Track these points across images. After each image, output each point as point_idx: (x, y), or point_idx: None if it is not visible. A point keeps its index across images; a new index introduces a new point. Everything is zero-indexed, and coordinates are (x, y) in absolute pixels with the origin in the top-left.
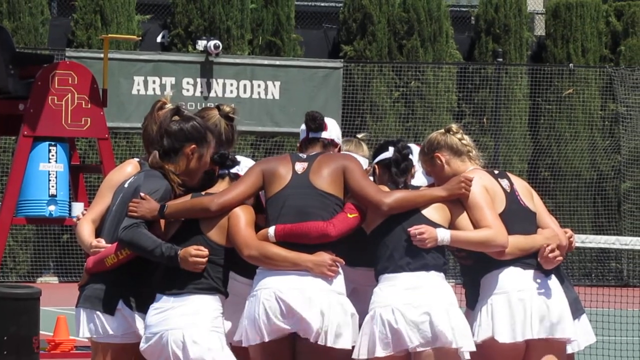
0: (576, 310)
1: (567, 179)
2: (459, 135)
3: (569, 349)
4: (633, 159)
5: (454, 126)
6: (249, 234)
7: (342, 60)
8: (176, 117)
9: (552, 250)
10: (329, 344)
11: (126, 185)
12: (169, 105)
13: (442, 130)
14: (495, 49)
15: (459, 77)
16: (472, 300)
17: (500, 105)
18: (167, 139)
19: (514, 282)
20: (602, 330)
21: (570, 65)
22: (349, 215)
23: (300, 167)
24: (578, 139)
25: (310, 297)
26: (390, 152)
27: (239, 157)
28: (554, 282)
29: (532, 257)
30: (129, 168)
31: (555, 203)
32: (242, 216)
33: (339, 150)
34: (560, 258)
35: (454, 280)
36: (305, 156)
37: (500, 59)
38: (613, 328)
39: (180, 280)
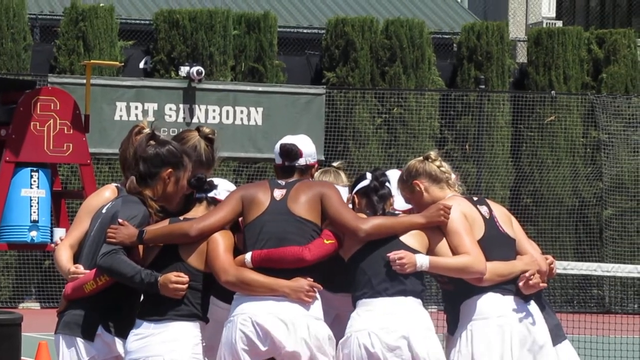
0: (557, 337)
1: (549, 206)
2: (437, 163)
3: None
4: (615, 186)
5: (432, 153)
6: (227, 260)
7: (324, 86)
8: (152, 142)
9: (531, 277)
10: None
11: (104, 211)
12: (147, 130)
13: (421, 158)
14: (477, 76)
15: (441, 103)
16: (453, 326)
17: (483, 132)
18: (143, 164)
19: (493, 308)
20: (584, 357)
21: (552, 92)
22: (325, 241)
23: (278, 193)
24: (560, 166)
25: (287, 322)
26: (368, 180)
27: (216, 180)
28: (533, 307)
29: (512, 283)
30: (107, 193)
31: (537, 230)
32: (221, 242)
33: (317, 168)
34: (539, 284)
35: (436, 306)
36: (284, 183)
37: (483, 86)
38: (595, 355)
39: (161, 307)
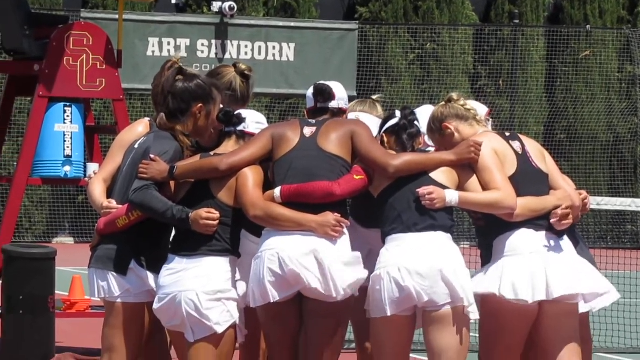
0: None
1: (583, 142)
2: (461, 102)
3: (584, 308)
4: None
5: (454, 95)
6: (256, 195)
7: (357, 22)
8: (180, 77)
9: (564, 212)
10: (335, 298)
11: (136, 146)
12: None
13: (443, 102)
14: (511, 11)
15: (475, 39)
16: (487, 262)
17: (517, 68)
18: (173, 99)
19: (525, 243)
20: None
21: (587, 26)
22: (355, 177)
23: (308, 131)
24: (595, 101)
25: (314, 256)
26: (397, 119)
27: (244, 113)
28: (566, 242)
29: (544, 218)
30: (140, 128)
31: (571, 165)
32: (250, 177)
33: (347, 115)
34: (571, 220)
35: (468, 242)
36: (314, 121)
37: (517, 21)
38: (628, 290)
39: (193, 242)
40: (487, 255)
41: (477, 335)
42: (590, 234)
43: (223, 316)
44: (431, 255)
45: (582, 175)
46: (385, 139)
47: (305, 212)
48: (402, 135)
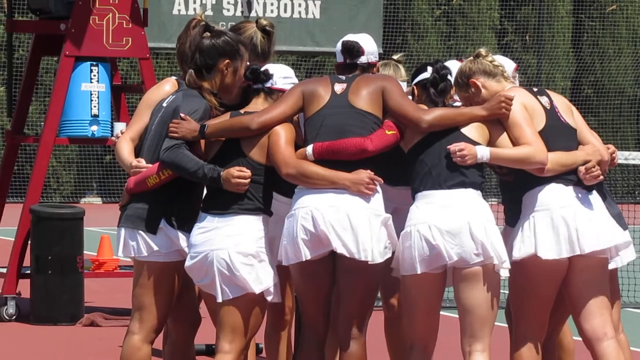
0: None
1: (610, 96)
2: (489, 58)
3: (612, 265)
4: None
5: (482, 50)
6: (288, 153)
7: None
8: (207, 34)
9: (593, 167)
10: (367, 259)
11: (164, 105)
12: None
13: (471, 58)
14: None
15: None
16: (512, 218)
17: (543, 22)
18: (200, 56)
19: (556, 198)
20: None
21: None
22: (387, 132)
23: (339, 87)
24: (622, 56)
25: (347, 214)
26: (428, 73)
27: (271, 68)
28: (595, 197)
29: (573, 173)
30: (167, 86)
31: (598, 120)
32: (283, 134)
33: (377, 69)
34: (601, 174)
35: (496, 199)
36: (344, 77)
37: None
38: None
39: (224, 201)
40: (511, 211)
41: (506, 292)
42: (618, 188)
43: (253, 277)
44: (461, 213)
45: (609, 130)
46: (416, 92)
47: (337, 170)
48: (431, 90)
